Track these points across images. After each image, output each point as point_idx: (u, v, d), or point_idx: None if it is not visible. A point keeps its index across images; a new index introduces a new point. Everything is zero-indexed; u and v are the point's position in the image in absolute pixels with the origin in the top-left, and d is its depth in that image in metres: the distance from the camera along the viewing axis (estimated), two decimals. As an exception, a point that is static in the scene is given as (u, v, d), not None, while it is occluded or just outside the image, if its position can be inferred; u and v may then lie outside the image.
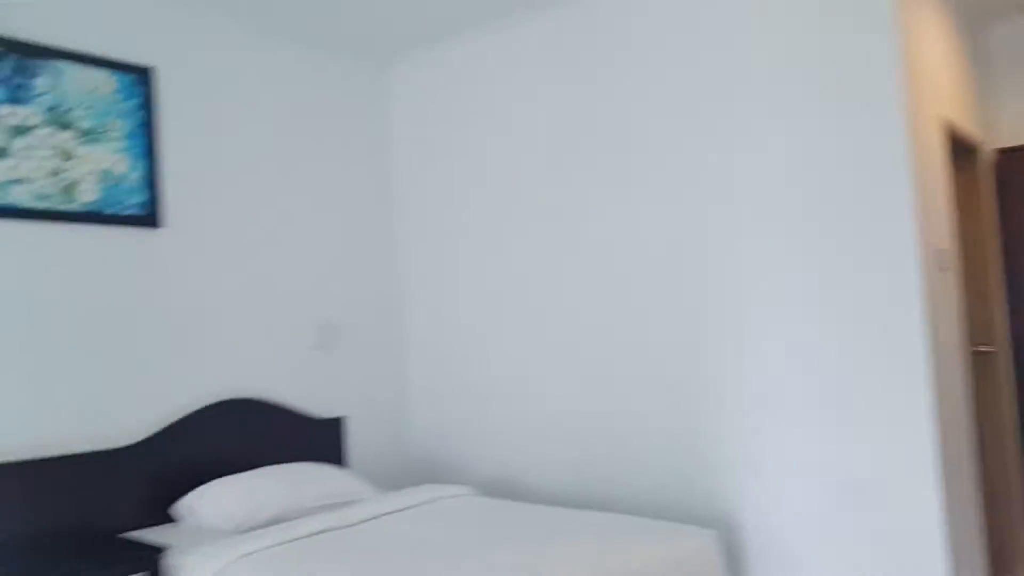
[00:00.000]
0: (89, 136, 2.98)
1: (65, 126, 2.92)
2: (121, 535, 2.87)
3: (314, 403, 3.68)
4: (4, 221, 2.76)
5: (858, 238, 2.72)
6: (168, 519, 3.03)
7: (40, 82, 2.87)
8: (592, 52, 3.39)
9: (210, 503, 2.91)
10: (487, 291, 3.77)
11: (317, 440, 3.61)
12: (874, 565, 2.68)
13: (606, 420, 3.33)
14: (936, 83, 3.06)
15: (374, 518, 2.90)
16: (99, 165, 3.00)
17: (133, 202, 3.09)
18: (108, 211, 3.02)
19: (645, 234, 3.23)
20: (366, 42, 3.85)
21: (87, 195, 2.96)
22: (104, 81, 3.04)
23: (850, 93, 2.74)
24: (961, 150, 3.61)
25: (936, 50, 3.11)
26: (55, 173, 2.89)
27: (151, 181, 3.14)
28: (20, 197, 2.80)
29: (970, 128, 3.53)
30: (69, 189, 2.92)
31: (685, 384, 3.11)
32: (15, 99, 2.81)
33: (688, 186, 3.11)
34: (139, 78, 3.13)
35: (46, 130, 2.87)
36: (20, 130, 2.81)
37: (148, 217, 3.13)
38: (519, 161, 3.64)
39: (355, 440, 3.82)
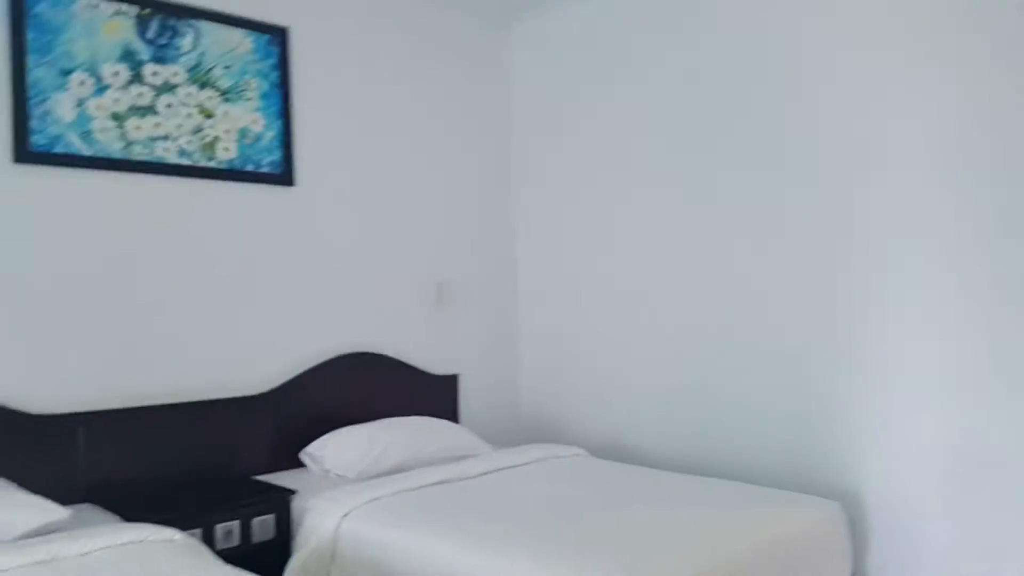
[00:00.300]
0: (228, 95, 3.10)
1: (205, 85, 3.05)
2: (253, 477, 3.03)
3: (430, 359, 3.77)
4: (151, 176, 2.92)
5: (1004, 203, 2.57)
6: (295, 464, 3.18)
7: (183, 42, 3.00)
8: (723, 13, 3.29)
9: (334, 451, 3.04)
10: (602, 253, 3.76)
11: (432, 396, 3.70)
12: (1002, 545, 2.57)
13: (722, 385, 3.29)
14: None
15: (491, 472, 2.96)
16: (237, 124, 3.12)
17: (268, 160, 3.21)
18: (245, 168, 3.15)
19: (767, 196, 3.14)
20: (486, 2, 3.85)
21: (226, 153, 3.10)
22: (241, 41, 3.15)
23: (1001, 54, 2.57)
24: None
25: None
26: (197, 131, 3.02)
27: (285, 140, 3.25)
28: (165, 154, 2.95)
29: None
30: (210, 147, 3.06)
31: (808, 349, 3.03)
32: (160, 58, 2.95)
33: (819, 148, 3.00)
34: (274, 38, 3.23)
35: (188, 89, 3.01)
36: (165, 88, 2.96)
37: (282, 175, 3.25)
38: (641, 124, 3.59)
39: (467, 397, 3.90)
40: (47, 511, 2.30)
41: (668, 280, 3.49)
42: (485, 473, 2.95)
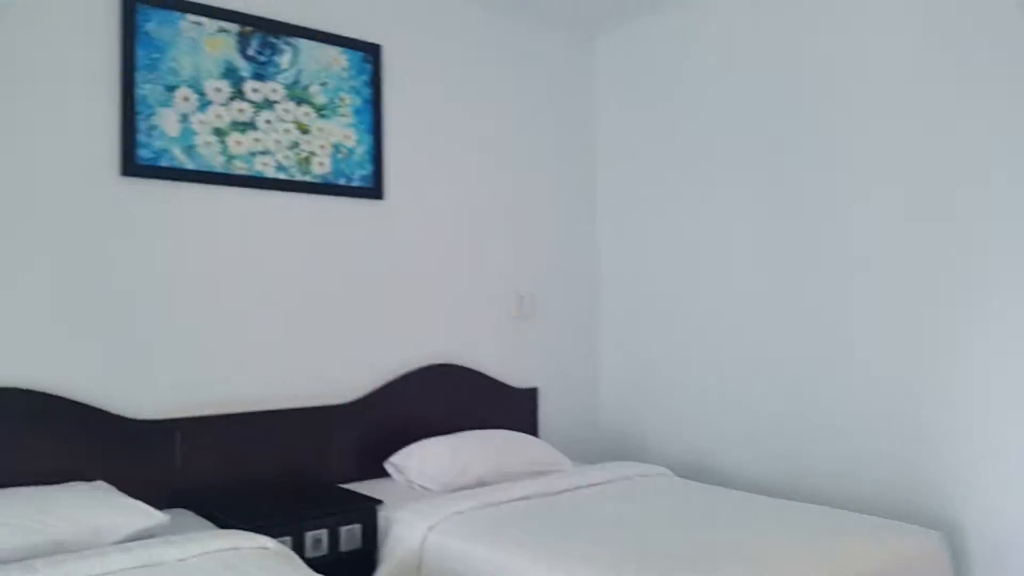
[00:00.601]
0: (323, 111, 3.18)
1: (302, 101, 3.13)
2: (340, 485, 3.08)
3: (511, 372, 3.78)
4: (251, 190, 3.01)
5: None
6: (380, 474, 3.22)
7: (282, 59, 3.08)
8: (813, 26, 3.22)
9: (418, 462, 3.07)
10: (687, 270, 3.71)
11: (513, 408, 3.71)
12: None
13: (814, 408, 3.20)
14: None
15: (575, 489, 2.95)
16: (331, 139, 3.20)
17: (359, 174, 3.28)
18: (338, 182, 3.21)
19: (861, 217, 3.06)
20: (574, 13, 3.86)
21: (321, 167, 3.17)
22: (337, 58, 3.22)
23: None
24: None
25: None
26: (293, 146, 3.10)
27: (375, 154, 3.31)
28: (264, 168, 3.03)
29: None
30: (305, 161, 3.13)
31: (907, 373, 2.92)
32: (260, 75, 3.03)
33: (912, 167, 2.90)
34: (368, 55, 3.30)
35: (286, 105, 3.09)
36: (264, 104, 3.04)
37: (372, 189, 3.31)
38: (727, 139, 3.54)
39: (546, 411, 3.89)
40: (147, 515, 2.37)
41: (755, 300, 3.42)
42: (569, 490, 2.94)
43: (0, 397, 2.49)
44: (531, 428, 3.78)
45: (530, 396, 3.81)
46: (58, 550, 2.20)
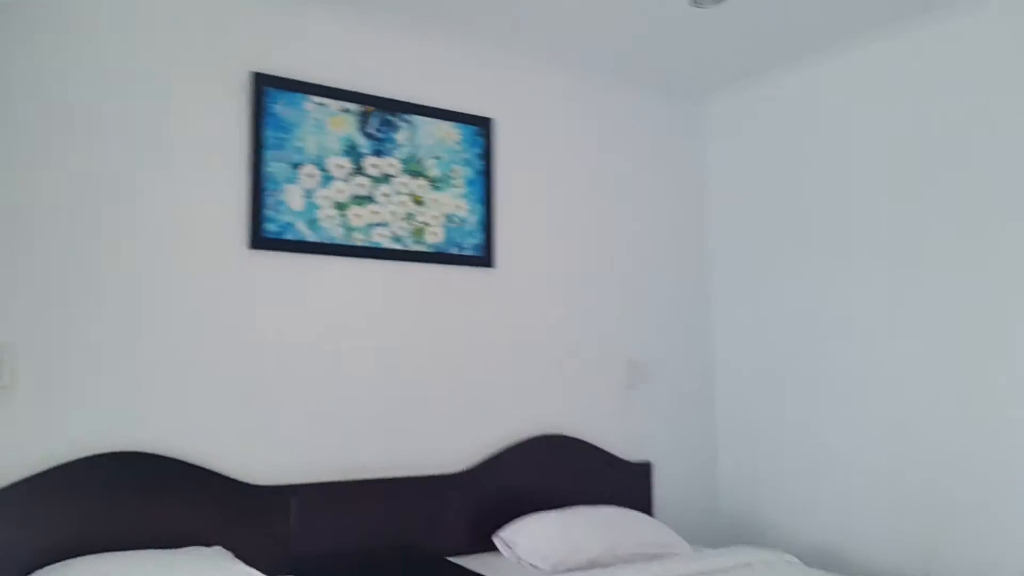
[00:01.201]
0: (437, 183, 3.25)
1: (417, 174, 3.21)
2: (448, 558, 3.03)
3: (622, 444, 3.68)
4: (368, 260, 3.09)
5: None
6: (488, 547, 3.16)
7: (399, 135, 3.19)
8: (930, 75, 3.08)
9: (528, 538, 2.99)
10: (810, 337, 3.54)
11: (624, 483, 3.59)
12: None
13: (961, 490, 2.95)
14: None
15: (693, 575, 2.79)
16: (444, 210, 3.26)
17: (471, 243, 3.32)
18: (450, 251, 3.26)
19: (1001, 277, 2.84)
20: (683, 79, 3.84)
21: (434, 237, 3.23)
22: (450, 132, 3.31)
23: None
24: None
25: None
26: (408, 217, 3.18)
27: (486, 224, 3.35)
28: (381, 239, 3.11)
29: None
30: (419, 231, 3.20)
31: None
32: (378, 151, 3.14)
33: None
34: (480, 129, 3.37)
35: (403, 178, 3.18)
36: (382, 179, 3.14)
37: (483, 257, 3.34)
38: (849, 201, 3.40)
39: (661, 486, 3.75)
40: (259, 584, 2.40)
41: (893, 369, 3.22)
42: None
43: (124, 460, 2.59)
44: (645, 505, 3.64)
45: (643, 470, 3.68)
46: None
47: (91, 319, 2.60)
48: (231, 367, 2.82)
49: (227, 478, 2.75)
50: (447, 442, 3.22)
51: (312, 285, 2.99)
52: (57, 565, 2.34)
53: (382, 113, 3.15)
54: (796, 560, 3.05)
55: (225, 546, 2.64)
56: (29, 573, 2.36)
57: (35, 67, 2.56)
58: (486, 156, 3.39)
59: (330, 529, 2.89)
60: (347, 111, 3.08)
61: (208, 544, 2.63)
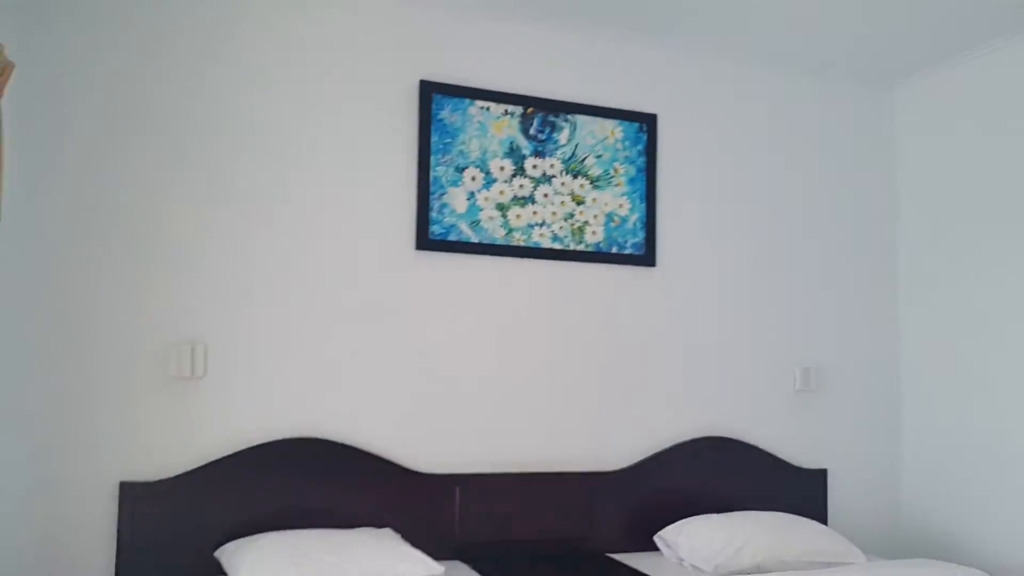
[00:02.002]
0: (597, 182, 3.27)
1: (578, 174, 3.25)
2: (607, 554, 3.04)
3: (793, 450, 3.52)
4: (528, 260, 3.16)
5: None
6: (647, 546, 3.13)
7: (560, 135, 3.24)
8: None
9: (689, 539, 2.94)
10: (1008, 341, 3.23)
11: (796, 490, 3.44)
12: None
13: None
14: None
15: (867, 587, 2.64)
16: (605, 209, 3.27)
17: (632, 242, 3.31)
18: (610, 251, 3.27)
19: None
20: (867, 66, 3.62)
21: (593, 236, 3.25)
22: (612, 130, 3.31)
23: None
24: None
25: None
26: (568, 216, 3.22)
27: (648, 222, 3.33)
28: (540, 239, 3.17)
29: None
30: (579, 231, 3.23)
31: None
32: (540, 152, 3.20)
33: None
34: (642, 126, 3.35)
35: (563, 179, 3.23)
36: (542, 179, 3.20)
37: (644, 256, 3.32)
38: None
39: (837, 495, 3.56)
40: (427, 567, 2.51)
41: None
42: (857, 586, 2.63)
43: (305, 446, 2.81)
44: (819, 514, 3.46)
45: (817, 478, 3.51)
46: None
47: (274, 316, 2.83)
48: (401, 362, 2.98)
49: (397, 465, 2.91)
50: (608, 440, 3.23)
51: (475, 285, 3.10)
52: (247, 538, 2.58)
53: (544, 114, 3.22)
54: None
55: (394, 529, 2.78)
56: (221, 544, 2.61)
57: (221, 85, 2.84)
58: (649, 153, 3.36)
59: (493, 519, 2.98)
60: (510, 113, 3.17)
61: (379, 526, 2.79)
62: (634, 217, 3.32)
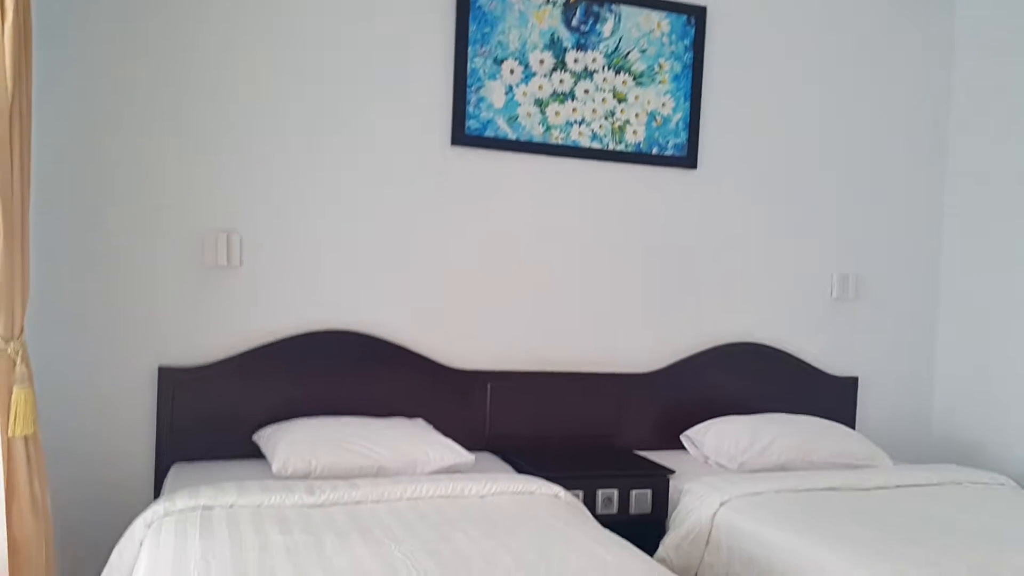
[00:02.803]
0: (640, 79, 3.17)
1: (621, 69, 3.15)
2: (635, 452, 3.09)
3: (826, 358, 3.50)
4: (566, 159, 3.11)
5: None
6: (674, 446, 3.18)
7: (604, 27, 3.12)
8: None
9: (716, 438, 2.97)
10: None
11: (826, 397, 3.44)
12: None
13: None
14: None
15: (892, 487, 2.66)
16: (647, 107, 3.19)
17: (673, 143, 3.23)
18: (651, 151, 3.20)
19: None
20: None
21: (634, 136, 3.18)
22: (659, 23, 3.19)
23: None
24: None
25: None
26: (609, 115, 3.14)
27: (691, 122, 3.24)
28: (579, 137, 3.11)
29: None
30: (619, 130, 3.16)
31: None
32: (582, 45, 3.11)
33: None
34: (691, 19, 3.22)
35: (605, 74, 3.13)
36: (584, 74, 3.11)
37: (686, 158, 3.24)
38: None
39: (867, 404, 3.56)
40: (457, 454, 2.59)
41: None
42: (886, 487, 2.66)
43: (340, 338, 2.85)
44: (848, 422, 3.46)
45: (849, 386, 3.50)
46: (380, 474, 2.48)
47: (309, 211, 2.84)
48: (436, 259, 2.98)
49: (431, 360, 2.95)
50: (641, 342, 3.23)
51: (511, 182, 3.06)
52: (283, 423, 2.66)
53: (587, 3, 3.10)
54: (1011, 482, 2.81)
55: (428, 420, 2.84)
56: (259, 428, 2.69)
57: (264, -30, 2.77)
58: (696, 48, 3.24)
59: (523, 415, 3.03)
60: (551, 2, 3.06)
61: (411, 417, 2.85)
62: (677, 116, 3.23)
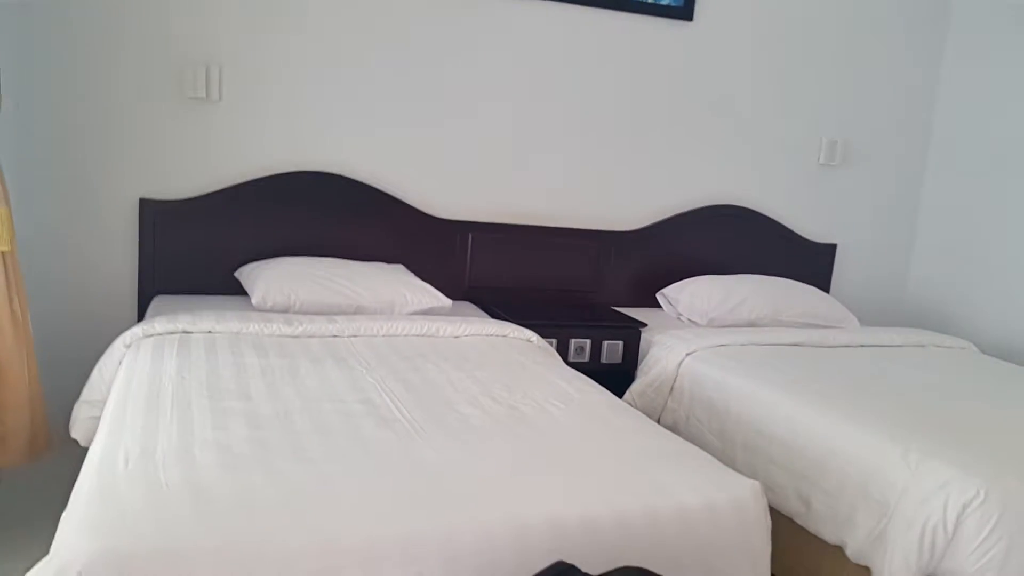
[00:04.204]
0: (637, -77, 3.04)
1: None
2: (613, 307, 3.15)
3: (807, 224, 3.53)
4: (560, 4, 3.01)
5: None
6: (650, 304, 3.24)
7: None
8: None
9: (690, 296, 3.03)
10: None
11: (804, 262, 3.49)
12: None
13: None
14: None
15: (856, 346, 2.74)
16: (642, -47, 3.06)
17: (669, -7, 3.13)
18: (647, 0, 3.09)
19: None
20: None
21: (628, -18, 3.07)
22: None
23: None
24: None
25: None
26: (602, -41, 3.02)
27: (688, -28, 3.12)
28: (571, -19, 3.00)
29: None
30: (613, -25, 3.05)
31: None
32: None
33: None
34: None
35: (600, -84, 2.99)
36: (579, -84, 2.97)
37: (682, 9, 3.14)
38: None
39: (843, 269, 3.61)
40: (435, 298, 2.64)
41: None
42: (850, 346, 2.74)
43: (321, 180, 2.85)
44: (823, 287, 3.52)
45: (827, 252, 3.54)
46: (357, 312, 2.54)
47: (292, 47, 2.77)
48: (423, 106, 2.94)
49: (414, 208, 2.96)
50: (624, 200, 3.24)
51: (501, 29, 2.97)
52: (261, 261, 2.69)
53: None
54: (973, 347, 2.90)
55: (408, 267, 2.88)
56: (239, 267, 2.73)
57: None
58: None
59: (503, 267, 3.07)
60: None
61: (391, 263, 2.89)
62: (674, -35, 3.11)
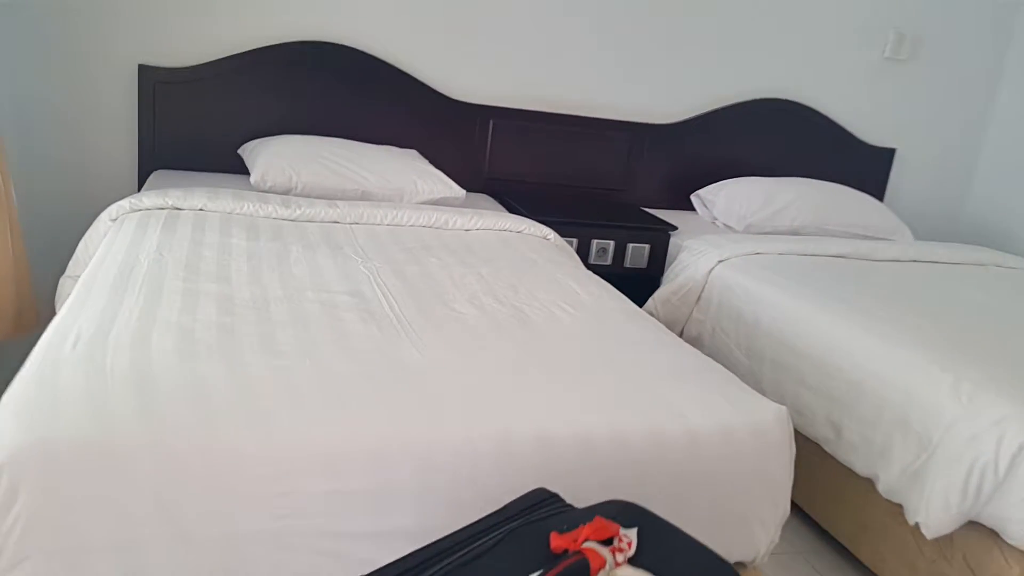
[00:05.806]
0: None
1: None
2: (641, 208, 2.92)
3: (865, 124, 3.22)
4: None
5: None
6: (684, 206, 3.01)
7: None
8: None
9: (727, 199, 2.80)
10: None
11: (857, 166, 3.21)
12: None
13: None
14: None
15: (906, 260, 2.50)
16: None
17: None
18: None
19: None
20: None
21: None
22: None
23: None
24: None
25: None
26: None
27: None
28: None
29: None
30: None
31: None
32: None
33: None
34: None
35: None
36: None
37: None
38: None
39: (901, 177, 3.31)
40: (447, 187, 2.45)
41: None
42: (899, 260, 2.49)
43: (336, 52, 2.61)
44: (877, 192, 3.25)
45: (884, 157, 3.25)
46: (363, 198, 2.36)
47: None
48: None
49: (430, 88, 2.73)
50: (662, 89, 2.96)
51: None
52: (266, 138, 2.50)
53: None
54: (1036, 268, 2.64)
55: (423, 154, 2.67)
56: (244, 143, 2.54)
57: None
58: None
59: (524, 157, 2.85)
60: None
61: (404, 148, 2.68)
62: None
